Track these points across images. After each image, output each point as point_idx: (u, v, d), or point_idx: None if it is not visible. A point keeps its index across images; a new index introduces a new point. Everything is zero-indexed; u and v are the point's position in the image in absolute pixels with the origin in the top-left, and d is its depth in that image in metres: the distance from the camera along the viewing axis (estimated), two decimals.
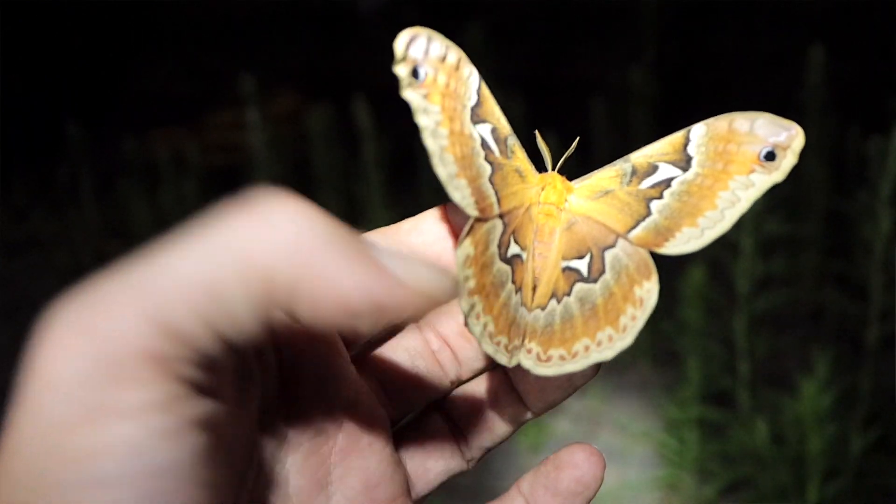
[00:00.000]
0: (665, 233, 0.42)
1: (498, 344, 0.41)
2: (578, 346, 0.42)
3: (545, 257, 0.43)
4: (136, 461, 0.29)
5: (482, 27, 2.07)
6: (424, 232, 0.43)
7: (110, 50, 2.91)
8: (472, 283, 0.40)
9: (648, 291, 0.41)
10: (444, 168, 0.39)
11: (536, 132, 0.44)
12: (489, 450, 0.46)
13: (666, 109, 2.04)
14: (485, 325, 0.40)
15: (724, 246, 1.33)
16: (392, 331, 0.44)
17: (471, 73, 0.41)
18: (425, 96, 0.39)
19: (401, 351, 0.44)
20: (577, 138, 0.45)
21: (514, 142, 0.42)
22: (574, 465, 0.43)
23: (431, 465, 0.45)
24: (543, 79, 2.70)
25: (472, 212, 0.40)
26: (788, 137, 0.40)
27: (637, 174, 0.43)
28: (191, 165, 2.01)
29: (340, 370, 0.41)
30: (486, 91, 0.42)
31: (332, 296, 0.31)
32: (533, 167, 0.43)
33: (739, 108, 0.41)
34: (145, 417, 0.30)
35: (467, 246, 0.40)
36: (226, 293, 0.30)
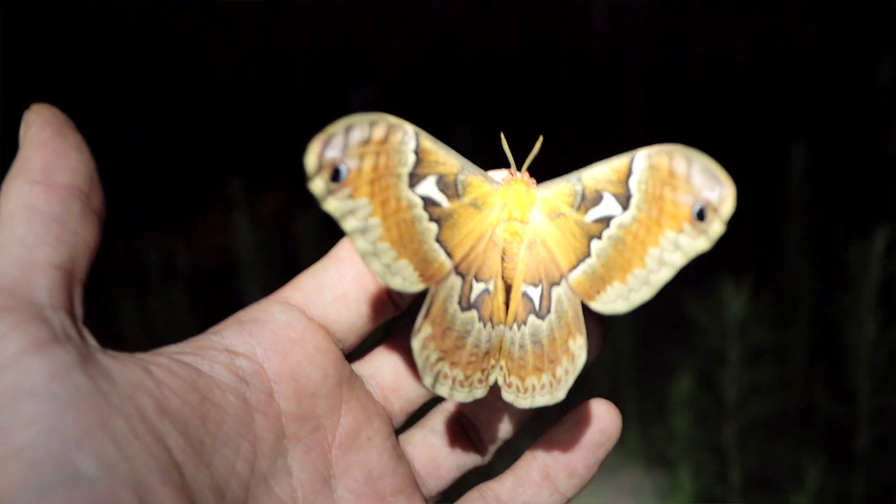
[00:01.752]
0: (599, 283, 0.41)
1: (471, 385, 0.42)
2: (529, 384, 0.42)
3: (514, 271, 0.43)
4: (31, 402, 0.31)
5: (470, 126, 2.10)
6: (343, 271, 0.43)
7: (98, 151, 2.94)
8: (433, 358, 0.41)
9: (580, 348, 0.41)
10: (380, 261, 0.39)
11: (501, 134, 0.44)
12: (506, 441, 0.47)
13: None
14: (454, 380, 0.42)
15: (711, 354, 1.33)
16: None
17: (404, 136, 0.39)
18: (351, 194, 0.38)
19: (396, 350, 0.45)
20: (541, 137, 0.44)
21: (465, 175, 0.42)
22: (597, 416, 0.44)
23: (441, 460, 0.46)
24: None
25: (417, 288, 0.40)
26: (719, 197, 0.38)
27: (585, 200, 0.42)
28: (180, 269, 2.01)
29: (336, 368, 0.43)
30: (426, 144, 0.40)
31: None
32: (493, 183, 0.43)
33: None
34: (23, 363, 0.32)
35: (425, 329, 0.40)
36: None
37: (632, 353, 1.54)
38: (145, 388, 0.35)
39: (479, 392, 0.43)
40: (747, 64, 2.55)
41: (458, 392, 0.42)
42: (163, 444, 0.34)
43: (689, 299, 1.28)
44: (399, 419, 0.46)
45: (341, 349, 0.44)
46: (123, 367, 0.35)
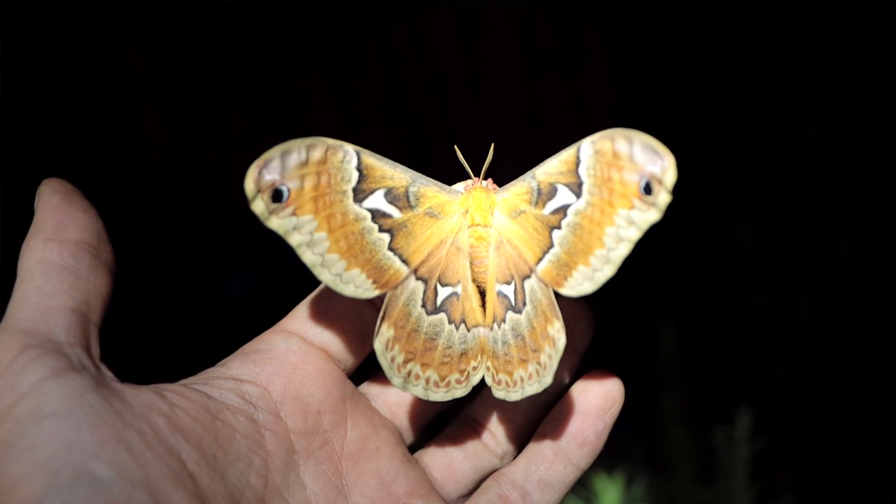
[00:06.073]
0: (565, 269, 0.42)
1: (448, 385, 0.44)
2: (517, 376, 0.43)
3: (486, 274, 0.45)
4: (51, 421, 0.34)
5: None
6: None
7: None
8: (400, 359, 0.43)
9: (558, 332, 0.42)
10: (330, 272, 0.42)
11: (455, 147, 0.46)
12: (523, 441, 0.47)
13: None
14: (427, 380, 0.44)
15: None
16: None
17: (345, 156, 0.42)
18: (294, 212, 0.41)
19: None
20: (493, 144, 0.45)
21: (417, 187, 0.44)
22: (599, 383, 0.45)
23: (457, 465, 0.47)
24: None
25: (372, 294, 0.43)
26: (662, 169, 0.39)
27: (542, 195, 0.43)
28: None
29: (337, 386, 0.45)
30: (369, 160, 0.43)
31: None
32: (451, 194, 0.45)
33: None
34: (42, 388, 0.35)
35: (385, 332, 0.43)
36: None
37: None
38: (158, 408, 0.38)
39: (459, 392, 0.45)
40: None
41: (434, 392, 0.44)
42: (175, 455, 0.36)
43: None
44: (410, 433, 0.48)
45: (343, 370, 0.46)
46: (137, 392, 0.38)
